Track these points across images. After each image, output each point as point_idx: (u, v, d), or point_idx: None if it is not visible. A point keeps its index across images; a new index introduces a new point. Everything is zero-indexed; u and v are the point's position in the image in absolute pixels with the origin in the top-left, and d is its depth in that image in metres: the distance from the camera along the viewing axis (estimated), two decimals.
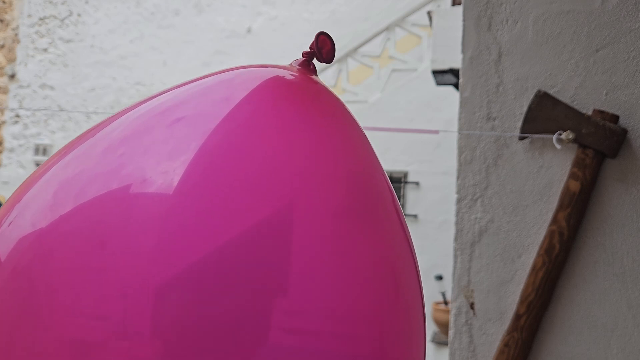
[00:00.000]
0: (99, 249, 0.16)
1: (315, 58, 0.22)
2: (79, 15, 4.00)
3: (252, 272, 0.17)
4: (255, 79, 0.21)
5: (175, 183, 0.16)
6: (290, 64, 0.23)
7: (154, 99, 0.20)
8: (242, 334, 0.16)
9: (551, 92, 0.74)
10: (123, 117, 0.19)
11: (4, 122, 4.07)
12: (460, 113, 0.78)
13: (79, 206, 0.17)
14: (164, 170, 0.17)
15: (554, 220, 0.71)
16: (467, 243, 0.75)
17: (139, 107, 0.20)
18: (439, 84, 2.33)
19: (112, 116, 0.20)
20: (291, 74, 0.23)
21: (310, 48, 0.22)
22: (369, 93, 3.00)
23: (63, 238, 0.16)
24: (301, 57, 0.23)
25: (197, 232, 0.16)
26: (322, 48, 0.22)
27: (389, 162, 2.89)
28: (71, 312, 0.16)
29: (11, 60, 4.07)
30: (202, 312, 0.16)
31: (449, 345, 0.76)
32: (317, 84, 0.23)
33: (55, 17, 4.02)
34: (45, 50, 4.02)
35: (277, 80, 0.22)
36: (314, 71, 0.23)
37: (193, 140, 0.17)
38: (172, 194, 0.16)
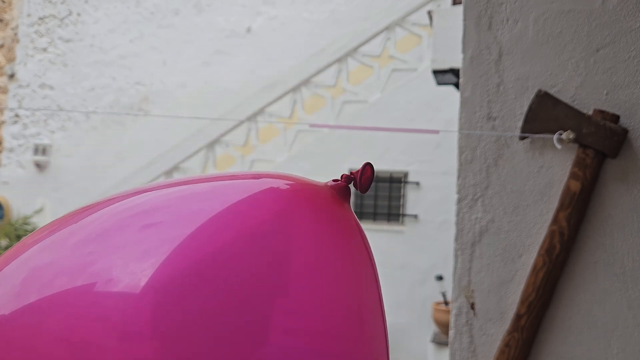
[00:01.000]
0: (55, 345, 0.16)
1: (352, 183, 0.22)
2: (78, 14, 4.00)
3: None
4: (240, 193, 0.20)
5: (142, 284, 0.17)
6: (326, 184, 0.22)
7: (134, 198, 0.20)
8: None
9: (552, 91, 0.74)
10: (103, 210, 0.20)
11: (3, 122, 4.06)
12: (461, 113, 0.78)
13: (42, 299, 0.17)
14: (132, 271, 0.17)
15: (555, 220, 0.71)
16: (467, 243, 0.75)
17: (119, 204, 0.20)
18: (439, 83, 2.33)
19: (95, 204, 0.20)
20: (288, 184, 0.22)
21: (351, 174, 0.22)
22: (369, 93, 2.99)
23: (22, 330, 0.16)
24: (340, 179, 0.22)
25: (160, 334, 0.16)
26: (363, 175, 0.22)
27: (389, 162, 2.89)
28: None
29: (10, 59, 4.07)
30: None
31: (449, 345, 0.75)
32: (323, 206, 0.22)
33: (54, 16, 4.02)
34: (44, 49, 4.02)
35: (272, 193, 0.21)
36: (346, 194, 0.22)
37: (163, 245, 0.18)
38: (138, 294, 0.16)
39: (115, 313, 0.16)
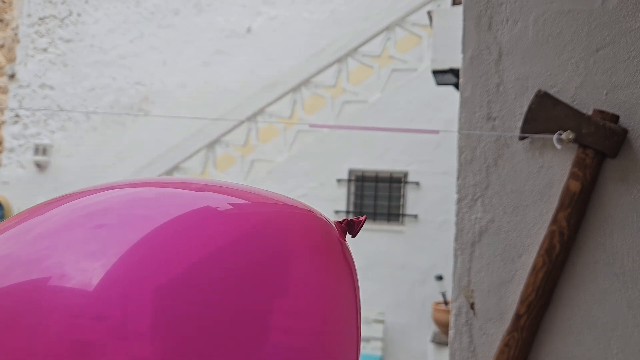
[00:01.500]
0: (9, 333, 0.17)
1: (348, 228, 0.25)
2: (78, 15, 4.00)
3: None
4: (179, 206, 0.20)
5: (94, 282, 0.17)
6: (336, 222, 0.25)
7: (89, 197, 0.21)
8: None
9: (551, 91, 0.74)
10: (64, 206, 0.20)
11: (3, 122, 4.07)
12: (461, 113, 0.78)
13: None
14: (83, 269, 0.18)
15: (554, 220, 0.71)
16: (467, 243, 0.75)
17: (71, 204, 0.21)
18: (439, 83, 2.33)
19: (61, 198, 0.21)
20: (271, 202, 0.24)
21: (351, 220, 0.25)
22: (369, 93, 2.99)
23: None
24: (340, 221, 0.25)
25: (110, 332, 0.17)
26: (359, 226, 0.25)
27: (389, 162, 2.89)
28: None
29: (11, 60, 4.07)
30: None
31: (449, 345, 0.76)
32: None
33: (55, 16, 4.02)
34: (45, 50, 4.02)
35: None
36: (342, 232, 0.24)
37: (113, 246, 0.18)
38: (91, 291, 0.17)
39: (67, 308, 0.16)
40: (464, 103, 0.78)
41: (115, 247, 0.18)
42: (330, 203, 2.93)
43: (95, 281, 0.17)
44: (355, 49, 3.00)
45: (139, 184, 0.22)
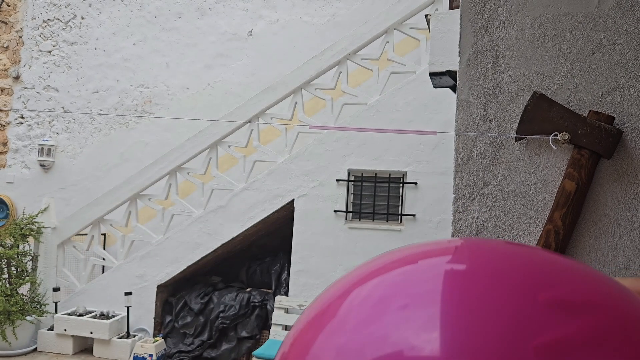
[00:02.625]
0: None
1: None
2: (82, 18, 4.03)
3: None
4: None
5: (442, 350, 0.18)
6: None
7: (358, 290, 0.22)
8: None
9: (547, 93, 0.75)
10: (346, 303, 0.21)
11: (8, 124, 4.10)
12: (458, 115, 0.79)
13: None
14: (427, 340, 0.19)
15: (550, 219, 0.72)
16: None
17: (354, 297, 0.21)
18: (436, 86, 2.33)
19: (328, 302, 0.22)
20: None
21: None
22: (368, 95, 3.01)
23: None
24: None
25: None
26: None
27: (388, 163, 2.90)
28: None
29: (15, 62, 4.11)
30: None
31: None
32: None
33: (59, 19, 4.06)
34: (49, 52, 4.06)
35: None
36: None
37: (434, 319, 0.19)
38: (443, 356, 0.18)
39: None
40: (461, 105, 0.79)
41: (432, 320, 0.19)
42: (330, 203, 2.94)
43: (443, 349, 0.18)
44: (354, 52, 3.02)
45: (396, 261, 0.22)
